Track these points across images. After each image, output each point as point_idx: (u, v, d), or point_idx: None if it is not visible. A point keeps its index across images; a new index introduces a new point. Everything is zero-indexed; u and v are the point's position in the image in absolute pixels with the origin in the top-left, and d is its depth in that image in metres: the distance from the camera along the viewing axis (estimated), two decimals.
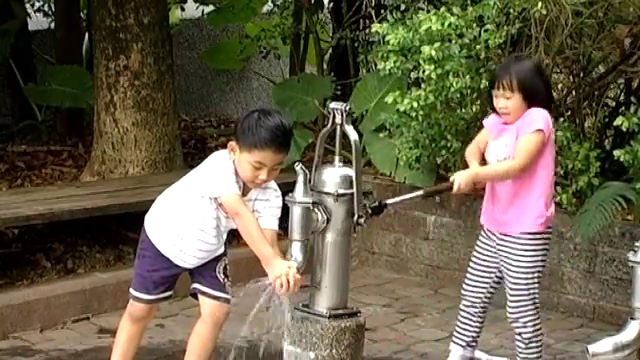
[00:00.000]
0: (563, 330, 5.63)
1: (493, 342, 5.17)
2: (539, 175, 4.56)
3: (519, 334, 4.64)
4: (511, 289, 4.63)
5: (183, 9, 9.26)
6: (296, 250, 4.25)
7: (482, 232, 4.76)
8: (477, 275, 4.75)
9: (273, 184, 4.30)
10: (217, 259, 4.41)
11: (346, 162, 4.53)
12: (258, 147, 4.13)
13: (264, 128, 4.14)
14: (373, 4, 7.76)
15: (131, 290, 4.45)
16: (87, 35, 8.77)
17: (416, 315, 5.86)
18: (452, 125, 6.04)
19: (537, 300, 4.65)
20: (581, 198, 5.79)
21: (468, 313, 4.78)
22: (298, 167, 4.26)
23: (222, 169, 4.20)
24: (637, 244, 4.55)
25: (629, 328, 4.52)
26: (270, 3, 8.57)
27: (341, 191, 4.34)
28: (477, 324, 4.78)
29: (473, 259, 4.77)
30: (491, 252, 4.70)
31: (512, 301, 4.63)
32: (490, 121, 4.76)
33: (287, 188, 4.34)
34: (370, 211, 4.34)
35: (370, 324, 5.21)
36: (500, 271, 4.69)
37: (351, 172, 4.39)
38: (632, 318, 4.53)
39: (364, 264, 6.73)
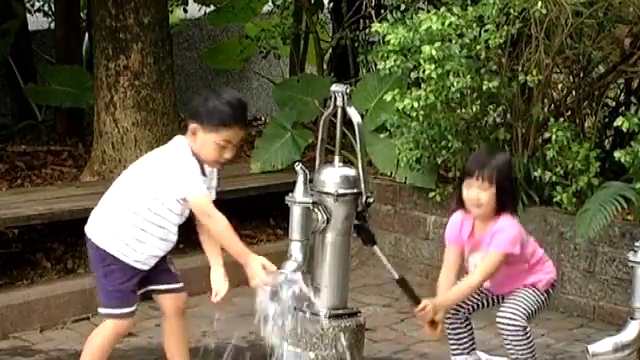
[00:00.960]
0: (563, 330, 5.62)
1: (493, 342, 5.16)
2: (519, 260, 4.52)
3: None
4: (504, 317, 4.53)
5: (186, 11, 9.27)
6: (296, 250, 4.25)
7: None
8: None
9: None
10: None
11: (346, 162, 4.53)
12: (227, 125, 4.13)
13: (229, 106, 4.15)
14: (373, 4, 7.76)
15: (112, 311, 4.25)
16: (87, 35, 8.77)
17: (416, 315, 5.84)
18: (452, 125, 6.03)
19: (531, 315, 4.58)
20: (581, 198, 5.78)
21: (456, 323, 4.68)
22: (298, 167, 4.26)
23: (187, 167, 4.13)
24: (637, 244, 4.54)
25: (629, 328, 4.52)
26: (270, 3, 8.57)
27: (341, 191, 4.34)
28: (468, 327, 4.71)
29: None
30: None
31: (504, 316, 4.53)
32: (453, 235, 4.57)
33: (287, 188, 4.34)
34: (365, 238, 4.38)
35: (370, 324, 5.20)
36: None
37: (351, 172, 4.40)
38: (632, 318, 4.52)
39: (364, 264, 6.72)
